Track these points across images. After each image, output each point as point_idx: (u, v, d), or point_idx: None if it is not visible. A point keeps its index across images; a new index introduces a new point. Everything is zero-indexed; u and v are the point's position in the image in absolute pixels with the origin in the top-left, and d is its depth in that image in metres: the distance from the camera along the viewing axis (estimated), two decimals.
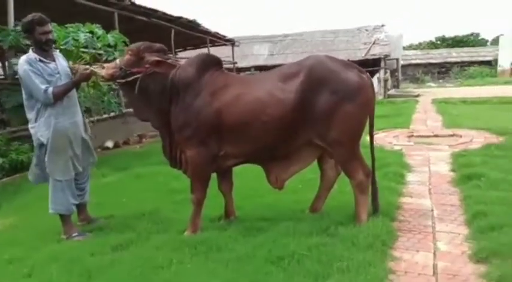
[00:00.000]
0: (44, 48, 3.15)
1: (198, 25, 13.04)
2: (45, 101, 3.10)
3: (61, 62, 3.29)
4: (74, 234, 3.22)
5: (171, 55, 9.05)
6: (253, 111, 2.91)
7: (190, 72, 3.03)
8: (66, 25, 5.49)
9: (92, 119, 7.74)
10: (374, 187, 3.16)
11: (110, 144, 8.01)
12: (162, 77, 3.00)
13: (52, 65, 3.18)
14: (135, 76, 2.98)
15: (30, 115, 3.21)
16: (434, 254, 2.65)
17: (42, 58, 3.12)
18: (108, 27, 6.15)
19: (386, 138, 7.01)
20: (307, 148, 3.08)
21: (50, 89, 3.06)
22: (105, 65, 3.15)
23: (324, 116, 2.87)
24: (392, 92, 19.21)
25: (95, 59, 6.70)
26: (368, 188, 3.10)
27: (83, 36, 5.25)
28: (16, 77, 5.80)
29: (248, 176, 4.85)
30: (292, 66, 3.11)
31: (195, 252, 2.78)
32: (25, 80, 3.07)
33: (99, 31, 5.65)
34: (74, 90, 3.33)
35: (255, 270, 2.45)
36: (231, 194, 3.42)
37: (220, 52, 18.22)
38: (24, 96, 3.18)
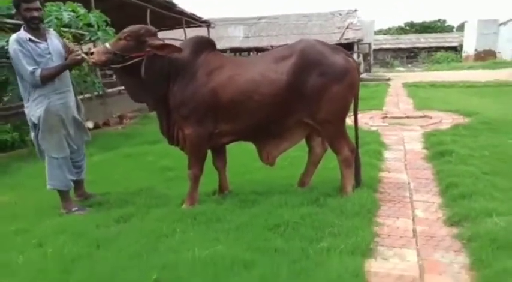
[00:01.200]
0: (30, 26, 3.08)
1: (174, 5, 12.87)
2: (32, 82, 3.08)
3: (54, 42, 3.24)
4: (73, 209, 3.32)
5: None
6: (247, 91, 3.08)
7: (186, 53, 3.13)
8: (46, 3, 5.38)
9: None
10: (357, 163, 3.45)
11: (89, 124, 7.90)
12: (160, 59, 3.08)
13: (43, 45, 3.13)
14: (134, 60, 2.99)
15: (23, 95, 3.24)
16: (413, 220, 2.97)
17: (32, 37, 3.07)
18: (83, 6, 6.03)
19: (362, 119, 7.34)
20: (297, 127, 3.28)
21: (38, 71, 3.04)
22: (94, 49, 3.12)
23: (313, 96, 3.08)
24: (364, 75, 19.69)
25: (76, 39, 6.63)
26: (352, 162, 3.37)
27: (66, 15, 5.17)
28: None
29: (238, 154, 5.06)
30: (284, 49, 3.31)
31: (196, 223, 2.97)
32: (14, 60, 3.05)
33: (81, 10, 5.58)
34: (67, 71, 3.33)
35: (255, 236, 2.68)
36: (224, 169, 3.61)
37: (195, 33, 18.05)
38: (17, 76, 3.19)
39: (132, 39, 3.02)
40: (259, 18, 23.58)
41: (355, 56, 19.29)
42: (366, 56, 22.31)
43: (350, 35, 20.15)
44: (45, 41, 3.16)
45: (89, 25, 5.93)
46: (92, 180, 4.14)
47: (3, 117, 5.58)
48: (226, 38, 21.64)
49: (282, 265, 2.28)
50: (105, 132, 7.48)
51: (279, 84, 3.06)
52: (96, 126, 8.00)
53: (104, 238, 2.73)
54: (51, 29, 3.19)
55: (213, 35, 18.45)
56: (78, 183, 3.60)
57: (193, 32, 17.09)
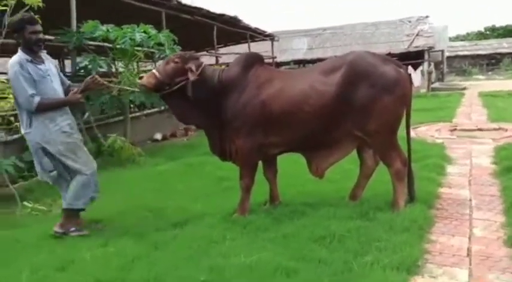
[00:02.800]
0: (34, 49, 3.09)
1: (239, 21, 13.39)
2: (27, 107, 3.03)
3: (50, 64, 3.22)
4: (71, 229, 3.21)
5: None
6: (296, 103, 3.14)
7: (236, 70, 3.31)
8: (122, 26, 5.99)
9: (142, 113, 8.35)
10: (410, 177, 3.34)
11: (158, 136, 8.56)
12: (207, 79, 3.24)
13: (42, 66, 3.12)
14: (180, 84, 3.17)
15: (22, 119, 3.16)
16: (470, 238, 2.81)
17: (32, 59, 3.06)
18: (154, 26, 6.57)
19: (427, 132, 7.02)
20: (347, 138, 3.27)
21: (37, 98, 2.99)
22: (143, 75, 3.29)
23: (363, 108, 3.07)
24: (436, 85, 18.67)
25: (147, 57, 7.25)
26: (404, 176, 3.28)
27: (138, 36, 5.73)
28: (79, 74, 6.46)
29: (290, 166, 5.14)
30: (334, 61, 3.36)
31: (245, 231, 3.10)
32: (13, 82, 3.02)
33: (152, 31, 6.12)
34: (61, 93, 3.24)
35: (300, 246, 2.74)
36: (275, 180, 3.70)
37: (260, 47, 18.53)
38: (15, 99, 3.14)
39: (180, 62, 3.19)
40: (324, 29, 23.55)
41: (425, 64, 18.38)
42: (438, 64, 21.14)
43: (420, 43, 19.30)
44: (43, 62, 3.16)
45: (159, 44, 6.48)
46: (156, 188, 4.51)
47: (84, 130, 6.25)
48: (290, 51, 21.93)
49: (323, 275, 2.32)
50: (172, 143, 8.01)
51: (328, 96, 3.09)
52: (164, 138, 8.59)
53: (161, 241, 2.98)
54: (45, 52, 3.26)
55: (277, 47, 18.84)
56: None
57: (258, 46, 17.65)
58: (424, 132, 7.04)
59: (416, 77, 18.42)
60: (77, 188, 3.21)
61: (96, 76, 3.30)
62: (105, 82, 3.38)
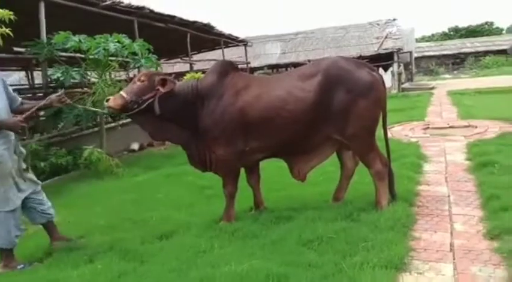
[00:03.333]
0: None
1: (212, 28, 13.38)
2: None
3: None
4: (19, 266, 2.99)
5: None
6: (275, 108, 3.17)
7: (211, 78, 3.32)
8: (95, 36, 5.88)
9: (117, 123, 8.19)
10: (391, 177, 3.42)
11: (135, 146, 8.42)
12: (180, 93, 3.21)
13: None
14: (148, 102, 3.11)
15: None
16: (451, 233, 2.91)
17: None
18: (127, 35, 6.45)
19: (402, 131, 7.22)
20: (326, 142, 3.35)
21: None
22: (110, 97, 3.20)
23: (341, 112, 3.15)
24: (406, 85, 19.24)
25: (122, 67, 7.13)
26: (385, 176, 3.36)
27: (112, 46, 5.63)
28: (50, 85, 6.27)
29: (273, 171, 5.17)
30: (309, 67, 3.41)
31: (233, 238, 3.10)
32: None
33: (126, 40, 6.03)
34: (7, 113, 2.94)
35: (289, 251, 2.75)
36: (258, 186, 3.71)
37: (233, 53, 18.60)
38: None
39: (146, 80, 3.16)
40: (296, 34, 23.83)
41: (395, 65, 18.92)
42: (407, 65, 21.78)
43: (389, 45, 19.83)
44: None
45: (134, 53, 6.39)
46: (136, 199, 4.43)
47: (59, 143, 6.09)
48: (263, 56, 22.07)
49: (314, 279, 2.34)
50: (149, 153, 7.89)
51: (306, 102, 3.15)
52: (141, 148, 8.45)
53: (148, 253, 2.93)
54: None
55: (251, 53, 18.93)
56: (49, 227, 3.27)
57: (231, 51, 17.69)
58: (399, 132, 7.23)
59: (387, 78, 18.93)
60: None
61: (63, 95, 3.10)
62: (70, 102, 3.23)
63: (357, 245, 2.71)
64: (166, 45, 11.91)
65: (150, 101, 3.11)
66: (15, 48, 5.77)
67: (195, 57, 15.24)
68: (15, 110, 3.04)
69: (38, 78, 11.77)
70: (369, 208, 3.32)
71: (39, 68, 11.75)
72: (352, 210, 3.30)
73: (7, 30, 3.76)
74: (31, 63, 10.59)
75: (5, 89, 2.99)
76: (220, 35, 14.39)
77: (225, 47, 15.65)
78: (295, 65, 22.30)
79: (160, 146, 8.85)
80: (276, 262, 2.60)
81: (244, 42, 17.10)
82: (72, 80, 5.87)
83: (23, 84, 12.64)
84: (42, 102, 3.07)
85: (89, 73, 6.33)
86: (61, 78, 5.68)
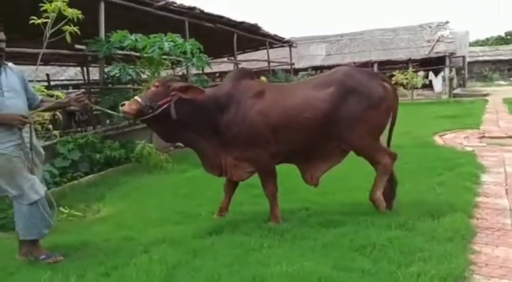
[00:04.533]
0: None
1: (259, 29, 13.49)
2: None
3: (10, 77, 2.92)
4: (41, 257, 2.96)
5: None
6: (291, 115, 3.25)
7: (228, 86, 3.42)
8: (148, 35, 6.10)
9: None
10: (393, 180, 3.49)
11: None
12: (195, 102, 3.19)
13: None
14: (163, 107, 3.12)
15: None
16: None
17: None
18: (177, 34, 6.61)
19: (455, 139, 6.90)
20: (337, 150, 3.45)
21: None
22: (126, 102, 3.22)
23: (350, 122, 3.24)
24: (458, 91, 18.39)
25: (174, 65, 7.34)
26: (390, 170, 3.42)
27: (166, 45, 5.81)
28: (107, 81, 6.59)
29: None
30: (324, 76, 3.55)
31: (282, 239, 3.10)
32: None
33: (179, 40, 6.21)
34: (22, 107, 2.94)
35: (341, 255, 2.71)
36: (233, 193, 3.79)
37: (278, 53, 18.61)
38: None
39: (160, 86, 3.21)
40: (342, 35, 23.49)
41: (446, 70, 18.13)
42: (459, 70, 20.82)
43: (441, 48, 19.04)
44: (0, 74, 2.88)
45: (184, 52, 6.56)
46: (186, 194, 4.55)
47: (113, 136, 6.37)
48: (307, 57, 21.93)
49: None
50: None
51: (320, 111, 3.23)
52: None
53: (200, 248, 2.99)
54: (11, 64, 3.01)
55: (295, 54, 18.87)
56: None
57: (276, 52, 17.72)
58: (452, 139, 6.93)
59: (437, 83, 18.19)
60: (22, 218, 2.92)
61: (81, 95, 3.09)
62: (88, 102, 3.23)
63: (412, 254, 2.62)
64: (213, 45, 12.15)
65: (165, 106, 3.12)
66: (76, 46, 6.10)
67: (240, 57, 15.41)
68: (34, 108, 3.08)
69: (92, 74, 12.38)
70: (424, 217, 3.20)
71: (94, 65, 12.46)
72: (406, 218, 3.19)
73: (75, 28, 3.98)
74: (87, 59, 11.17)
75: (24, 86, 3.01)
76: (266, 35, 14.48)
77: (269, 48, 15.73)
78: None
79: None
80: (327, 266, 2.57)
81: (289, 43, 17.08)
82: (128, 77, 6.11)
83: (79, 79, 13.37)
84: (59, 101, 3.12)
85: (143, 71, 6.56)
86: (118, 75, 5.94)
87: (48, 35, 3.57)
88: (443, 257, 2.55)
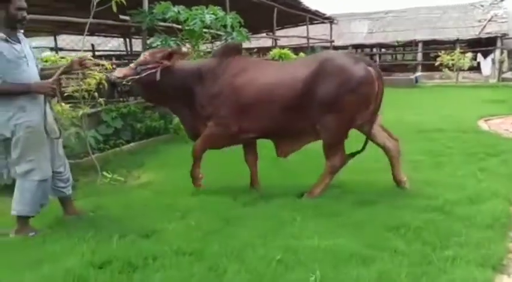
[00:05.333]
0: (17, 27, 2.83)
1: (300, 3, 13.17)
2: None
3: (27, 46, 2.90)
4: (30, 234, 2.95)
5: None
6: (266, 92, 3.36)
7: (213, 61, 3.59)
8: (192, 7, 6.12)
9: None
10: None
11: None
12: (182, 71, 3.54)
13: (18, 46, 2.80)
14: (150, 72, 3.42)
15: None
16: None
17: (8, 38, 2.74)
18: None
19: (501, 125, 6.57)
20: (311, 129, 3.48)
21: None
22: (118, 68, 3.63)
23: (326, 104, 3.26)
24: (508, 75, 17.27)
25: (214, 39, 7.35)
26: (336, 173, 3.52)
27: (208, 18, 5.81)
28: None
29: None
30: (308, 58, 3.73)
31: (314, 214, 3.13)
32: None
33: (221, 13, 6.19)
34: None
35: (374, 234, 2.72)
36: (255, 165, 3.89)
37: (317, 30, 18.14)
38: None
39: (149, 56, 3.54)
40: (386, 12, 22.47)
41: (497, 52, 17.04)
42: (511, 53, 19.49)
43: (493, 29, 17.86)
44: (19, 42, 2.85)
45: (224, 26, 6.54)
46: (223, 165, 4.64)
47: (153, 107, 6.54)
48: (348, 34, 21.23)
49: (402, 266, 2.29)
50: None
51: (294, 90, 3.29)
52: None
53: (233, 217, 3.08)
54: (22, 32, 2.96)
55: (335, 31, 18.32)
56: (66, 200, 3.23)
57: (316, 28, 17.29)
58: (498, 125, 6.60)
59: (486, 65, 17.18)
60: (26, 194, 2.88)
61: (84, 58, 3.10)
62: (91, 65, 3.26)
63: (448, 238, 2.58)
64: (252, 19, 12.00)
65: (151, 71, 3.42)
66: (121, 16, 6.22)
67: (279, 33, 15.17)
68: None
69: (135, 45, 12.65)
70: (463, 202, 3.12)
71: (137, 36, 12.69)
72: (444, 202, 3.13)
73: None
74: (130, 31, 11.39)
75: (33, 54, 2.99)
76: (306, 10, 14.13)
77: (310, 24, 15.36)
78: (382, 45, 21.19)
79: None
80: (359, 243, 2.59)
81: (330, 20, 16.61)
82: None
83: (121, 50, 13.71)
84: (65, 65, 3.07)
85: (184, 43, 6.61)
86: (159, 47, 6.03)
87: (95, 3, 3.66)
88: (481, 244, 2.50)
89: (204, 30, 6.37)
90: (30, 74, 2.86)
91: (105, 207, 3.41)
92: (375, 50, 20.96)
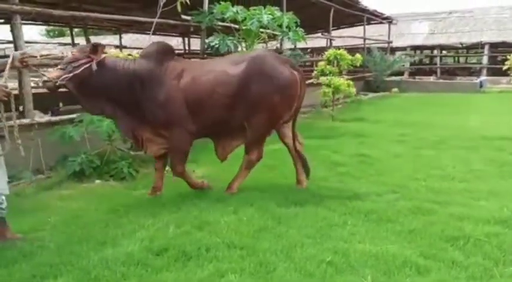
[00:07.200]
0: None
1: (357, 3, 12.89)
2: None
3: None
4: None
5: None
6: (209, 91, 3.39)
7: (150, 63, 3.38)
8: (250, 7, 6.21)
9: None
10: (304, 161, 3.88)
11: None
12: (113, 68, 3.27)
13: None
14: (85, 66, 3.10)
15: None
16: None
17: None
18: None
19: None
20: (242, 127, 3.56)
21: None
22: (50, 69, 3.18)
23: (254, 102, 3.40)
24: None
25: (270, 39, 7.42)
26: (252, 167, 3.72)
27: (265, 18, 5.87)
28: (206, 51, 6.92)
29: (409, 159, 4.91)
30: (239, 55, 3.83)
31: (366, 219, 3.07)
32: None
33: (278, 13, 6.23)
34: None
35: (429, 244, 2.62)
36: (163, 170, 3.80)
37: (375, 30, 17.64)
38: None
39: (78, 52, 3.21)
40: (450, 13, 21.31)
41: None
42: None
43: None
44: None
45: (280, 26, 6.56)
46: (271, 164, 4.69)
47: None
48: (407, 35, 20.41)
49: (459, 278, 2.20)
50: None
51: (231, 86, 3.38)
52: None
53: (284, 216, 3.11)
54: None
55: (394, 31, 17.70)
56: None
57: (372, 28, 16.81)
58: None
59: None
60: None
61: (27, 55, 2.82)
62: (31, 65, 2.92)
63: None
64: (308, 19, 11.94)
65: (84, 66, 3.09)
66: (183, 16, 6.46)
67: (334, 33, 14.95)
68: None
69: (193, 44, 13.08)
70: None
71: (195, 36, 13.12)
72: (510, 215, 2.94)
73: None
74: (189, 30, 11.79)
75: None
76: (364, 10, 13.80)
77: (367, 24, 14.98)
78: (444, 47, 20.11)
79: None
80: (414, 252, 2.51)
81: (388, 20, 16.10)
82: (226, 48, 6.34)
83: (179, 49, 14.26)
84: (6, 60, 2.67)
85: (240, 43, 6.73)
86: (217, 46, 6.21)
87: (161, 4, 3.86)
88: None
89: (261, 30, 6.44)
90: None
91: (162, 197, 3.58)
92: (435, 51, 19.95)
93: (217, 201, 3.43)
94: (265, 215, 3.12)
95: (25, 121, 4.31)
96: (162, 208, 3.26)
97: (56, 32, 26.97)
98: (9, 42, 9.82)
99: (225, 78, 3.42)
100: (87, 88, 3.20)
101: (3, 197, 2.62)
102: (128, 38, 15.15)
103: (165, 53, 3.50)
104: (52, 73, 3.08)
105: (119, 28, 12.45)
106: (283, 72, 3.45)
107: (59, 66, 3.15)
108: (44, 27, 28.09)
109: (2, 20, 8.54)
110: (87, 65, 3.12)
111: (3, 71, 2.61)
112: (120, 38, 13.21)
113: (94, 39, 12.67)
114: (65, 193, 3.66)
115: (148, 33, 9.72)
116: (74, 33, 12.29)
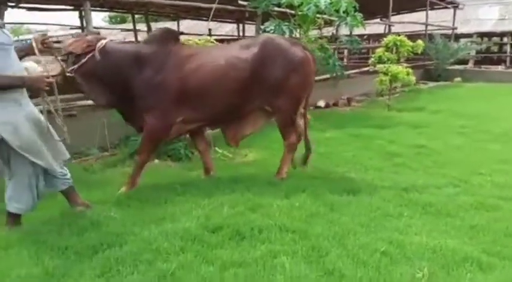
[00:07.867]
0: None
1: None
2: None
3: (7, 32, 2.55)
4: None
5: None
6: (217, 78, 3.31)
7: (154, 46, 3.31)
8: None
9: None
10: (308, 146, 3.84)
11: (322, 103, 8.69)
12: (117, 57, 3.18)
13: (5, 34, 2.47)
14: (90, 54, 3.04)
15: None
16: None
17: None
18: None
19: None
20: (258, 113, 3.59)
21: None
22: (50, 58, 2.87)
23: (273, 85, 3.39)
24: None
25: (326, 24, 7.26)
26: (295, 149, 3.76)
27: (323, 2, 5.74)
28: None
29: (471, 152, 4.65)
30: (248, 40, 3.79)
31: (424, 212, 2.97)
32: None
33: None
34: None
35: (493, 240, 2.49)
36: (207, 152, 3.87)
37: (438, 15, 16.57)
38: None
39: (80, 41, 3.11)
40: None
41: None
42: None
43: None
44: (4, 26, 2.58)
45: (337, 11, 6.38)
46: (325, 152, 4.65)
47: None
48: (474, 21, 18.95)
49: None
50: (334, 112, 8.04)
51: (242, 71, 3.32)
52: (326, 106, 8.68)
53: (337, 203, 3.09)
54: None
55: (459, 17, 16.52)
56: (69, 192, 2.89)
57: (435, 14, 15.82)
58: None
59: None
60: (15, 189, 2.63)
61: (46, 35, 2.75)
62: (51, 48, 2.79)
63: None
64: (366, 4, 11.49)
65: (90, 54, 3.05)
66: (240, 1, 6.51)
67: (393, 18, 14.26)
68: None
69: (247, 31, 13.14)
70: None
71: (249, 22, 13.14)
72: None
73: None
74: (244, 16, 11.83)
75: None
76: None
77: (430, 9, 14.11)
78: None
79: (344, 106, 8.92)
80: (475, 248, 2.41)
81: (454, 4, 15.05)
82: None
83: (233, 35, 14.38)
84: (27, 47, 2.66)
85: (296, 29, 6.66)
86: (272, 31, 6.18)
87: None
88: None
89: (317, 15, 6.31)
90: (13, 65, 2.46)
91: (216, 179, 3.69)
92: (505, 39, 18.39)
93: (269, 186, 3.48)
94: (317, 201, 3.12)
95: (89, 102, 4.61)
96: (216, 189, 3.36)
97: (118, 19, 28.26)
98: (78, 27, 10.48)
99: (237, 63, 3.36)
100: (91, 77, 3.12)
101: (66, 169, 2.86)
102: (186, 24, 15.49)
103: (169, 38, 3.43)
104: (56, 67, 2.89)
105: (178, 14, 12.79)
106: (296, 53, 3.46)
107: (60, 58, 2.96)
108: (106, 14, 29.55)
109: (71, 7, 9.11)
110: (92, 53, 3.07)
111: (28, 55, 2.64)
112: (178, 24, 13.56)
113: (154, 25, 13.13)
114: (128, 170, 3.88)
115: (206, 20, 9.94)
116: (135, 19, 12.84)
